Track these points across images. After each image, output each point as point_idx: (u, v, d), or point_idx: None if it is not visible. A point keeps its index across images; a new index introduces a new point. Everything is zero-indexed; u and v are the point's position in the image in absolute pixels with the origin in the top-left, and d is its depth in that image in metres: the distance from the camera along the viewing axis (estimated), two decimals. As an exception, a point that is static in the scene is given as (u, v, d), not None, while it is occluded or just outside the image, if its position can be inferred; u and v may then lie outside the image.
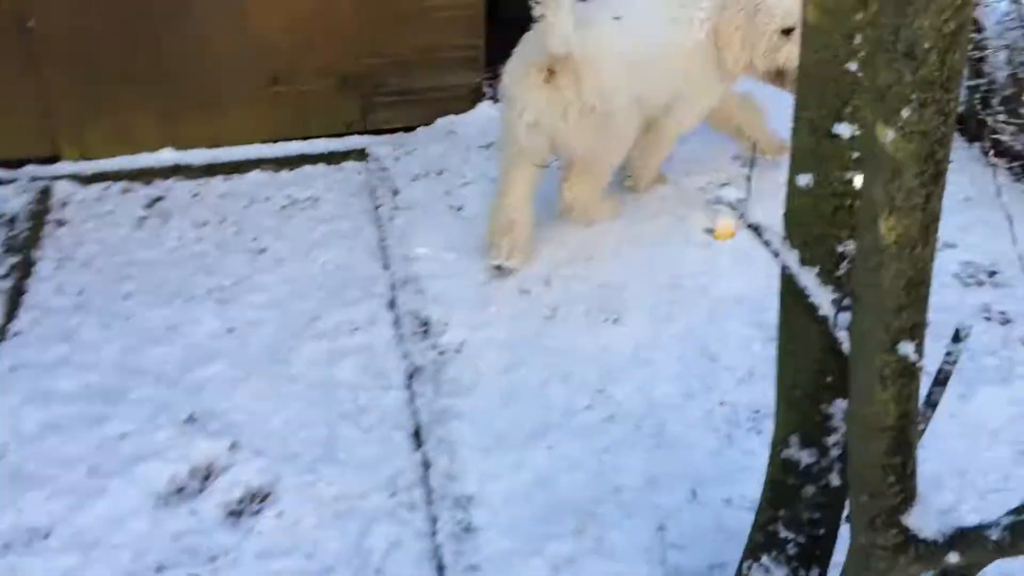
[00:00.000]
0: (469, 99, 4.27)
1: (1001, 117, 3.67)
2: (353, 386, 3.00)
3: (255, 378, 3.05)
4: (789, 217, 1.77)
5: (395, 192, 3.86)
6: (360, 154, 4.14)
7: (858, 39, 1.55)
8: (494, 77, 4.49)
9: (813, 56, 1.61)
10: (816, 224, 1.72)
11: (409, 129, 4.24)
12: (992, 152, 3.78)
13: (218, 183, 3.99)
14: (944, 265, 3.30)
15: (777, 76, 3.30)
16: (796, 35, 2.96)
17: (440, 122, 4.24)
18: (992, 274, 3.27)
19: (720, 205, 3.51)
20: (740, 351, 2.98)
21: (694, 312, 3.15)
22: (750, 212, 1.88)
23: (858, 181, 1.65)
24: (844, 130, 1.62)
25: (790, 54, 3.08)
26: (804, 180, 1.69)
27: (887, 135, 1.24)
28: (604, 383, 2.90)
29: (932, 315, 2.93)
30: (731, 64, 3.33)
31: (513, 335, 3.10)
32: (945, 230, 3.49)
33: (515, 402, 2.86)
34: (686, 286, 3.26)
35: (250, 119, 4.06)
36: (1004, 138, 3.72)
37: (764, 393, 2.84)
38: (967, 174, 3.72)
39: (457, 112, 4.26)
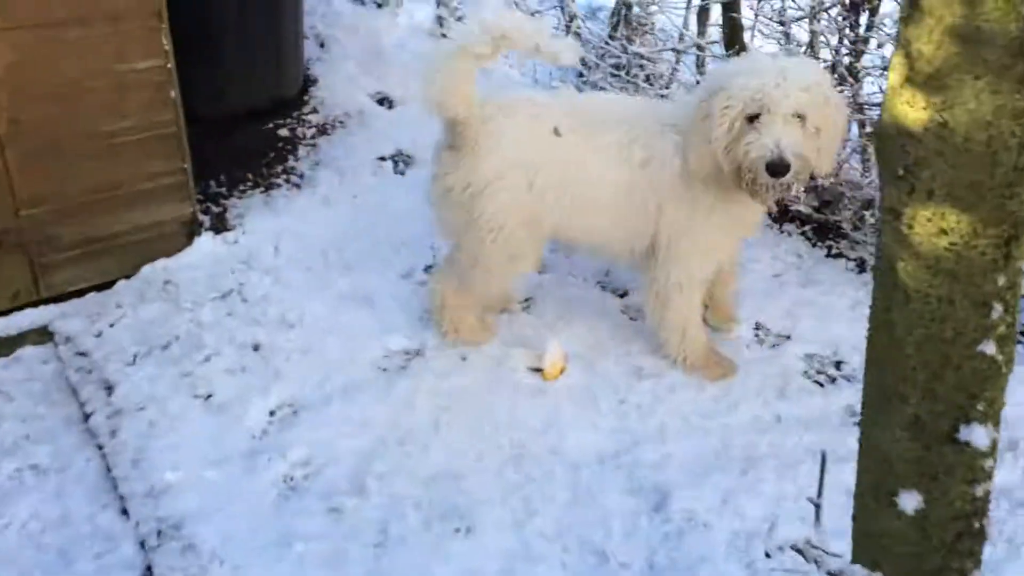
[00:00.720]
0: (182, 235, 3.30)
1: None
2: None
3: None
4: (878, 545, 1.20)
5: (108, 387, 2.81)
6: (41, 334, 3.03)
7: (997, 311, 1.02)
8: (209, 200, 3.57)
9: (920, 332, 1.05)
10: (929, 556, 1.16)
11: (105, 287, 3.18)
12: (785, 220, 3.57)
13: None
14: (791, 364, 2.97)
15: (737, 176, 2.46)
16: (765, 123, 2.35)
17: (147, 272, 3.23)
18: (839, 365, 2.99)
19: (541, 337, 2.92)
20: (628, 535, 2.39)
21: (557, 490, 2.51)
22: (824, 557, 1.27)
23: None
24: (978, 436, 1.08)
25: (751, 147, 2.36)
26: (911, 502, 1.13)
27: None
28: (484, 633, 2.17)
29: (811, 437, 2.57)
30: (694, 164, 2.51)
31: (339, 586, 2.26)
32: (773, 320, 3.23)
33: None
34: (534, 454, 2.61)
35: None
36: (792, 204, 3.52)
37: (678, 592, 2.30)
38: (767, 247, 3.47)
39: (169, 254, 3.28)
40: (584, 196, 2.64)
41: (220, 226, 3.44)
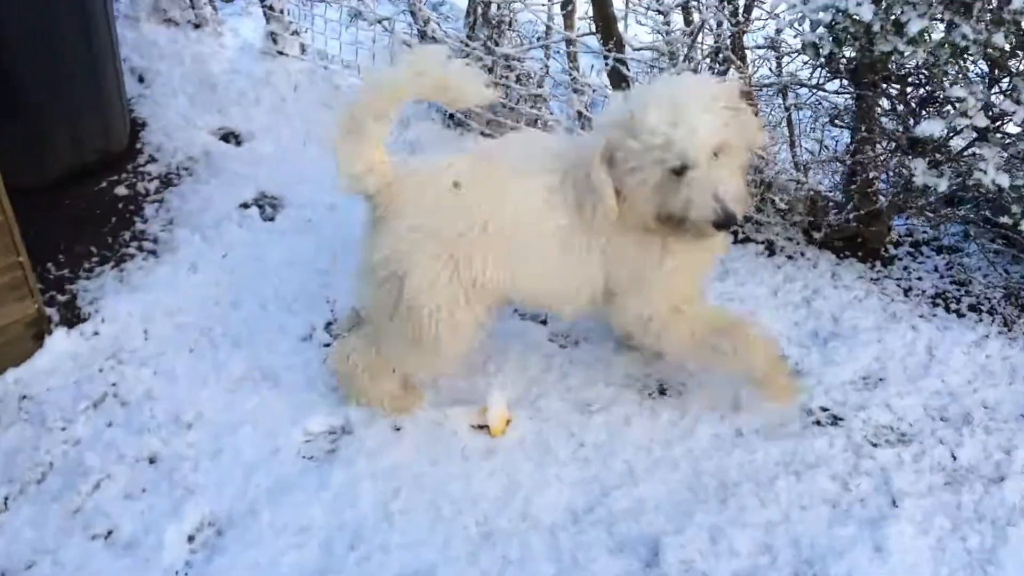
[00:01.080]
0: (29, 338, 2.79)
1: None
2: None
3: None
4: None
5: (-21, 547, 2.32)
6: None
7: None
8: (52, 288, 3.05)
9: None
10: None
11: (-55, 418, 2.64)
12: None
13: None
14: (734, 368, 2.86)
15: (677, 225, 2.26)
16: (696, 177, 2.15)
17: (-6, 389, 2.71)
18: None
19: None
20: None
21: (540, 565, 2.27)
22: None
23: None
24: None
25: (690, 205, 2.17)
26: None
27: None
28: None
29: (776, 448, 2.45)
30: (595, 214, 2.27)
31: None
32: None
33: None
34: (504, 528, 2.36)
35: None
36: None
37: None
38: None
39: (17, 363, 2.77)
40: (523, 252, 2.38)
41: (72, 318, 2.93)
